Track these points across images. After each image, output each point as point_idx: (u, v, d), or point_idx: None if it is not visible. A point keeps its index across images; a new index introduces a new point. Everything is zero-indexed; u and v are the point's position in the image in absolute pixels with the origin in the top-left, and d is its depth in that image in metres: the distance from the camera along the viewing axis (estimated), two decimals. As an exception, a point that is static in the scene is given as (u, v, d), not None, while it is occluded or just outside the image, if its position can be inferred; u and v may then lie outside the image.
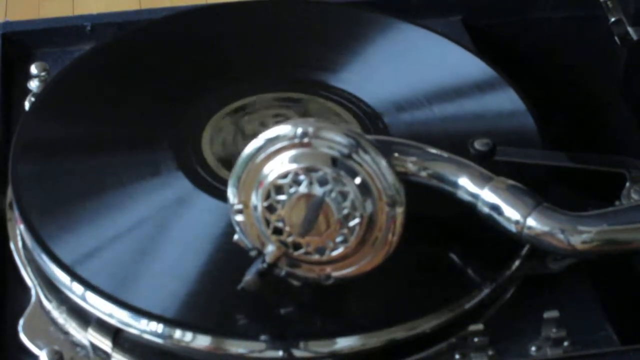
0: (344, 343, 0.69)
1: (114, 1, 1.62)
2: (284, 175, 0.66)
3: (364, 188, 0.66)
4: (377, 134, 0.79)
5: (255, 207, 0.67)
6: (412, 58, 0.88)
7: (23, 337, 0.72)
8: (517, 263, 0.74)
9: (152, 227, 0.74)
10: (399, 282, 0.72)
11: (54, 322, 0.74)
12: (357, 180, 0.66)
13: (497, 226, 0.69)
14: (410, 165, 0.70)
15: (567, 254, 0.70)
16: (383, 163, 0.66)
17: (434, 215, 0.75)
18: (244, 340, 0.69)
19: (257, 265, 0.67)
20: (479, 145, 0.75)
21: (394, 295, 0.72)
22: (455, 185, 0.70)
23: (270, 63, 0.88)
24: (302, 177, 0.66)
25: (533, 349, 0.71)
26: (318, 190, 0.66)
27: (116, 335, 0.71)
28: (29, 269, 0.77)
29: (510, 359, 0.70)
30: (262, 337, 0.68)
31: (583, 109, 0.96)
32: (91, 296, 0.71)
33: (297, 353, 0.68)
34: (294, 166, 0.66)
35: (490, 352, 0.70)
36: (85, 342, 0.72)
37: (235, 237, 0.69)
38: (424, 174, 0.70)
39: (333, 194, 0.66)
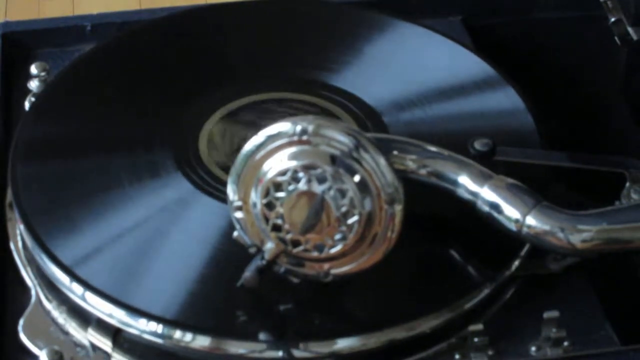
0: (343, 343, 0.69)
1: (114, 1, 1.62)
2: (283, 173, 0.66)
3: (362, 186, 0.66)
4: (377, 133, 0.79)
5: (255, 204, 0.67)
6: (412, 57, 0.88)
7: (23, 337, 0.72)
8: (517, 263, 0.74)
9: (152, 228, 0.74)
10: (398, 282, 0.72)
11: (54, 322, 0.74)
12: (356, 178, 0.66)
13: (496, 225, 0.69)
14: (410, 163, 0.69)
15: (566, 253, 0.70)
16: (382, 161, 0.66)
17: (433, 214, 0.75)
18: (244, 341, 0.68)
19: (256, 262, 0.67)
20: (478, 145, 0.75)
21: (394, 295, 0.72)
22: (454, 183, 0.70)
23: (269, 63, 0.88)
24: (301, 174, 0.66)
25: (533, 349, 0.71)
26: (317, 188, 0.66)
27: (116, 335, 0.71)
28: (29, 269, 0.77)
29: (510, 359, 0.70)
30: (262, 338, 0.68)
31: (583, 109, 0.96)
32: (91, 296, 0.71)
33: (297, 353, 0.68)
34: (293, 163, 0.66)
35: (490, 352, 0.70)
36: (85, 342, 0.72)
37: (235, 233, 0.69)
38: (423, 171, 0.70)
39: (332, 192, 0.66)
